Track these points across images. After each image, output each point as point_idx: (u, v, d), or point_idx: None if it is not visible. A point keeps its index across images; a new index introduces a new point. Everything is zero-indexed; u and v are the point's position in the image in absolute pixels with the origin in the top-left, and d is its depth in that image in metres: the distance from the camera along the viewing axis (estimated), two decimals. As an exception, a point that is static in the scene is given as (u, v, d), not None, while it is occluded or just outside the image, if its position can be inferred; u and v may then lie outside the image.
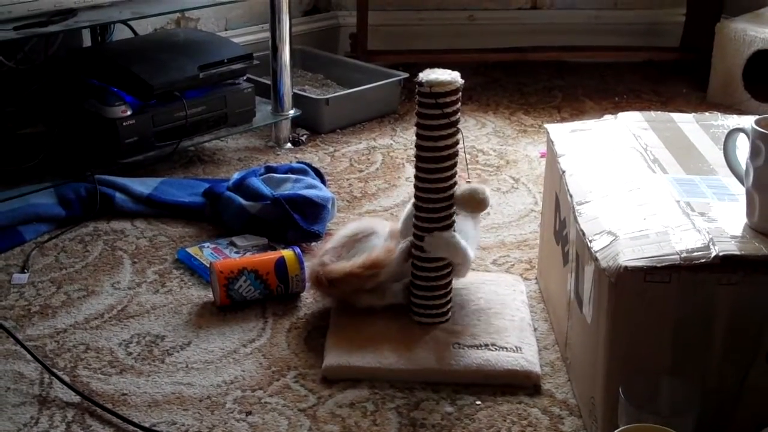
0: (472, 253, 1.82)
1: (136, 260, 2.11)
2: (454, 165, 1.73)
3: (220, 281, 1.88)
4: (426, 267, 1.78)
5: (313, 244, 2.15)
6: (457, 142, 1.72)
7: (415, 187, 1.75)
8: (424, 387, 1.68)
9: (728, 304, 1.36)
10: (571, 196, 1.63)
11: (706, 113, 1.94)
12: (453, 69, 1.71)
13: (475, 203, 1.78)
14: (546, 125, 1.95)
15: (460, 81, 1.69)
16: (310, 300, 1.95)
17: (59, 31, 2.33)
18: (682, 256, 1.36)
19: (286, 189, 2.27)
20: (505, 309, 1.86)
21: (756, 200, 1.42)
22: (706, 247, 1.37)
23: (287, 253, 1.95)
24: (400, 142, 2.79)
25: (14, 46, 2.64)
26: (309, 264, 1.92)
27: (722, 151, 1.53)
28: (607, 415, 1.44)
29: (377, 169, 2.63)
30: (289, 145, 2.78)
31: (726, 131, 1.52)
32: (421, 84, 1.68)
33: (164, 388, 1.67)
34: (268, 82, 2.77)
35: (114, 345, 1.79)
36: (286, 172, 2.37)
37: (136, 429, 1.56)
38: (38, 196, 2.29)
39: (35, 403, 1.62)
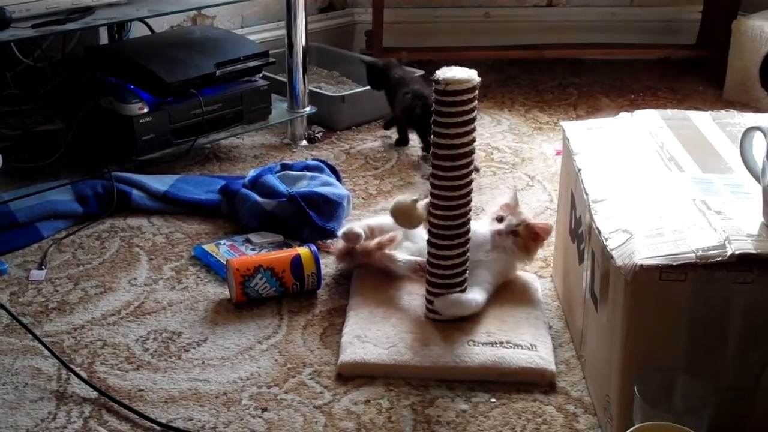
0: (481, 296, 1.84)
1: (152, 257, 2.12)
2: (471, 163, 1.73)
3: (236, 279, 1.89)
4: (441, 264, 1.78)
5: (329, 241, 2.16)
6: (473, 140, 1.73)
7: (431, 184, 1.75)
8: (439, 384, 1.68)
9: (743, 302, 1.36)
10: (586, 193, 1.63)
11: (723, 111, 1.93)
12: (468, 66, 1.71)
13: (412, 217, 1.79)
14: (562, 123, 1.95)
15: (477, 79, 1.69)
16: (325, 297, 1.96)
17: (77, 29, 2.35)
18: (698, 254, 1.36)
19: (302, 186, 2.28)
20: (520, 307, 1.87)
21: (772, 199, 1.42)
22: (722, 246, 1.36)
23: (303, 250, 1.95)
24: (416, 140, 2.79)
25: (32, 44, 2.66)
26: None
27: (738, 150, 1.52)
28: (621, 412, 1.44)
29: (392, 166, 2.64)
30: (304, 142, 2.78)
31: (742, 129, 1.52)
32: (437, 82, 1.68)
33: (180, 384, 1.68)
34: (284, 80, 2.77)
35: (131, 341, 1.80)
36: (301, 170, 2.38)
37: (152, 425, 1.57)
38: (56, 192, 2.30)
39: (53, 398, 1.63)
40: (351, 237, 1.97)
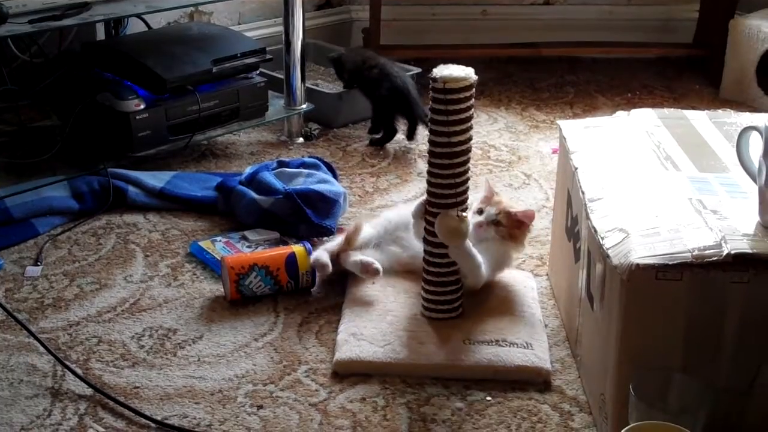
0: (485, 270, 1.83)
1: (148, 254, 2.11)
2: (467, 161, 1.73)
3: (230, 277, 1.88)
4: (437, 263, 1.78)
5: (325, 239, 2.16)
6: (470, 138, 1.72)
7: (428, 182, 1.75)
8: (434, 382, 1.68)
9: (739, 302, 1.36)
10: (583, 192, 1.63)
11: (719, 110, 1.93)
12: (465, 64, 1.71)
13: (459, 232, 1.75)
14: (558, 121, 1.95)
15: (474, 77, 1.69)
16: (321, 295, 1.96)
17: (73, 24, 2.35)
18: (694, 254, 1.36)
19: (298, 183, 2.28)
20: (516, 305, 1.87)
21: (768, 198, 1.42)
22: (718, 245, 1.37)
23: (298, 248, 1.95)
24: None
25: (29, 40, 2.66)
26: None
27: (735, 149, 1.52)
28: (617, 411, 1.45)
29: (389, 164, 2.64)
30: (301, 139, 2.78)
31: (739, 129, 1.52)
32: (434, 80, 1.68)
33: (176, 381, 1.68)
34: (281, 77, 2.77)
35: (126, 338, 1.80)
36: (298, 167, 2.37)
37: (147, 422, 1.57)
38: (52, 189, 2.30)
39: (48, 395, 1.63)
40: (319, 266, 1.94)
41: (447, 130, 1.69)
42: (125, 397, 1.63)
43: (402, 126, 2.73)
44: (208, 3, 2.89)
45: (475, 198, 2.29)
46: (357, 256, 1.94)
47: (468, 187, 1.76)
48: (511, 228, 1.88)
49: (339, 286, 1.98)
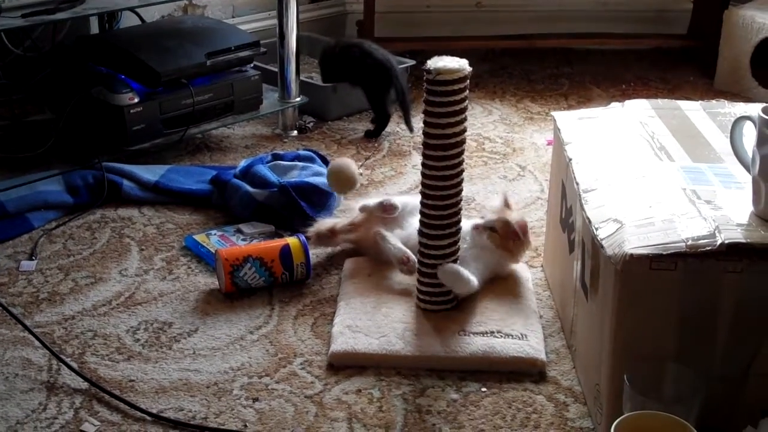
0: (477, 282, 1.82)
1: (143, 247, 2.11)
2: (462, 153, 1.73)
3: (225, 269, 1.88)
4: (432, 255, 1.78)
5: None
6: (464, 130, 1.72)
7: (423, 174, 1.75)
8: (429, 374, 1.68)
9: (734, 291, 1.37)
10: (577, 183, 1.63)
11: (713, 101, 1.93)
12: (460, 56, 1.71)
13: (344, 181, 1.77)
14: (553, 113, 1.95)
15: (468, 69, 1.69)
16: (316, 287, 1.96)
17: (67, 18, 2.34)
18: (688, 243, 1.36)
19: (293, 176, 2.28)
20: (511, 296, 1.87)
21: (762, 188, 1.42)
22: (712, 235, 1.37)
23: (292, 240, 1.95)
24: (407, 130, 2.79)
25: (22, 34, 2.65)
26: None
27: (729, 139, 1.52)
28: (611, 402, 1.45)
29: (384, 156, 2.64)
30: (295, 132, 2.78)
31: (733, 119, 1.52)
32: (428, 71, 1.68)
33: (171, 374, 1.68)
34: (275, 70, 2.77)
35: (121, 332, 1.80)
36: (293, 160, 2.37)
37: (143, 415, 1.57)
38: (46, 183, 2.29)
39: (43, 389, 1.63)
40: (388, 208, 1.98)
41: (441, 122, 1.69)
42: (120, 390, 1.63)
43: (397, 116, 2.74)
44: (201, -4, 2.90)
45: (471, 190, 2.31)
46: (399, 243, 1.93)
47: (462, 179, 1.76)
48: (505, 238, 1.89)
49: (334, 278, 1.99)
